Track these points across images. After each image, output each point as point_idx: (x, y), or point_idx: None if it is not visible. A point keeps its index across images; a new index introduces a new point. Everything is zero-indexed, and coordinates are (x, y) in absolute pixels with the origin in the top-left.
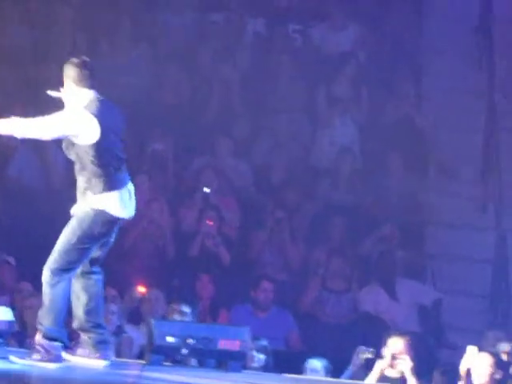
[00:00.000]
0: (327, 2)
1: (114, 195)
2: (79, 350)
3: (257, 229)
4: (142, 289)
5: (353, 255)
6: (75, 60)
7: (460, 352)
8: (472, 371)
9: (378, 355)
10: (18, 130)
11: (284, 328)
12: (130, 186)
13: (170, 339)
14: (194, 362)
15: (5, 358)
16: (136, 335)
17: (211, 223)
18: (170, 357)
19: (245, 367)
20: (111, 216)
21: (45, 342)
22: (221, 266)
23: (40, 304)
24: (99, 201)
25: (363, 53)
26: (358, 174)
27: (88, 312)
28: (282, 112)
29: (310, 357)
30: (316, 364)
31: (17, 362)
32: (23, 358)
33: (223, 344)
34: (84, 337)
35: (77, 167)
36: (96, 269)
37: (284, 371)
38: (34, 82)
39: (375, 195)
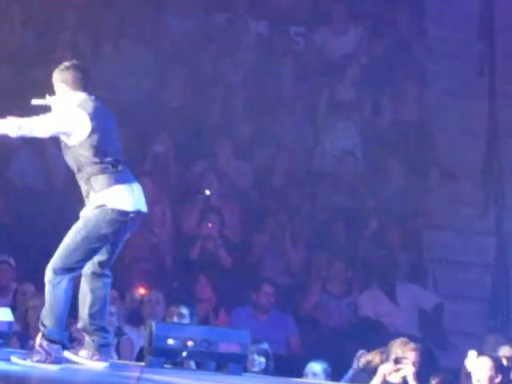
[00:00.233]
0: (329, 4)
1: (116, 190)
2: (82, 351)
3: (258, 232)
4: (142, 290)
5: (353, 259)
6: (69, 64)
7: (460, 356)
8: (472, 375)
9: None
10: (12, 129)
11: (284, 331)
12: (137, 185)
13: (170, 341)
14: (194, 364)
15: (5, 359)
16: (136, 337)
17: (211, 225)
18: (171, 359)
19: (245, 370)
20: (117, 212)
21: (45, 344)
22: (222, 269)
23: (43, 304)
24: (102, 197)
25: (365, 56)
26: (359, 178)
27: (92, 315)
28: (284, 115)
29: (310, 360)
30: (316, 367)
31: (17, 363)
32: (24, 359)
33: (224, 347)
34: (88, 339)
35: (76, 172)
36: (107, 272)
37: (284, 374)
38: (37, 85)
39: (377, 199)
